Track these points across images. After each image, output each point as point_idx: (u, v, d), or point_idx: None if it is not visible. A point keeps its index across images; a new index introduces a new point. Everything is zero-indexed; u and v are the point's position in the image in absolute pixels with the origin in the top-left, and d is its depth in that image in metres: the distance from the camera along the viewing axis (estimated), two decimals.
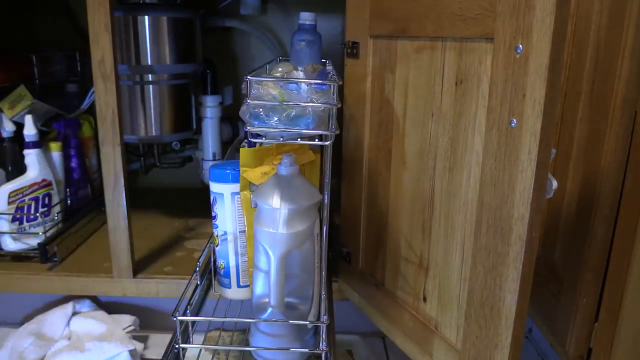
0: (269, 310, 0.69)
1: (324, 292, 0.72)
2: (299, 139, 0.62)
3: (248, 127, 0.61)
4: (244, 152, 0.77)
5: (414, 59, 0.71)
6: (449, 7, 0.61)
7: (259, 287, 0.71)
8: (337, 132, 0.62)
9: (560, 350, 0.81)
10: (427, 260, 0.73)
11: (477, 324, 0.61)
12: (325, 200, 0.69)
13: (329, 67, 0.78)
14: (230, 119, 1.25)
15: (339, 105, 0.62)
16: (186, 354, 0.97)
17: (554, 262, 0.87)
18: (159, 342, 1.01)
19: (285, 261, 0.66)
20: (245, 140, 1.05)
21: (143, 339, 0.97)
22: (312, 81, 0.63)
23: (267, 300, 0.70)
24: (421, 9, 0.67)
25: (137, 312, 1.03)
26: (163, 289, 0.97)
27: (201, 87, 1.25)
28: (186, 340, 0.70)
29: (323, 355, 0.68)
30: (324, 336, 0.67)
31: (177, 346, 0.67)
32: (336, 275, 0.98)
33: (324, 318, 0.67)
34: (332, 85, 0.61)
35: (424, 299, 0.74)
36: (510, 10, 0.52)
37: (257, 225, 0.67)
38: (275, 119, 0.61)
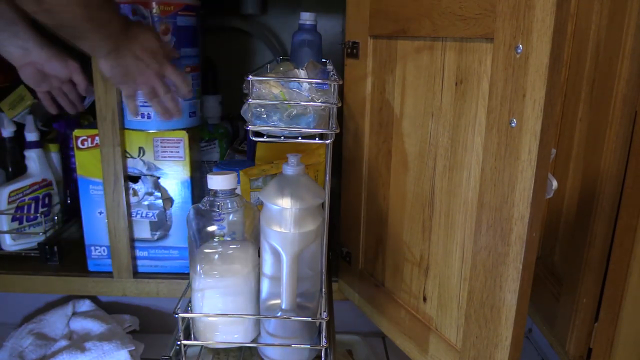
0: (279, 313, 0.70)
1: (324, 290, 0.73)
2: (299, 138, 0.63)
3: (249, 126, 0.61)
4: (262, 146, 0.79)
5: (414, 59, 0.71)
6: (449, 7, 0.61)
7: (265, 290, 0.72)
8: (337, 130, 0.63)
9: (560, 350, 0.81)
10: (427, 260, 0.73)
11: (477, 324, 0.61)
12: (326, 199, 0.70)
13: (330, 67, 0.78)
14: (231, 118, 1.25)
15: (340, 105, 0.62)
16: (187, 355, 0.98)
17: (554, 262, 0.87)
18: (159, 342, 1.01)
19: (297, 261, 0.68)
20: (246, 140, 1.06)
21: (143, 339, 0.97)
22: (313, 80, 0.63)
23: (274, 302, 0.71)
24: (421, 9, 0.67)
25: (137, 312, 1.03)
26: (163, 289, 0.97)
27: (201, 86, 1.25)
28: (187, 337, 0.71)
29: (323, 351, 0.69)
30: (324, 333, 0.69)
31: (178, 343, 0.69)
32: (336, 275, 0.98)
33: (324, 314, 0.68)
34: (332, 85, 0.62)
35: (424, 299, 0.74)
36: (510, 10, 0.52)
37: (266, 225, 0.68)
38: (276, 118, 0.62)
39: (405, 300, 0.79)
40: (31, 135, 1.01)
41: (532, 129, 0.50)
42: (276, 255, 0.68)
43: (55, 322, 0.96)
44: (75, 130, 0.91)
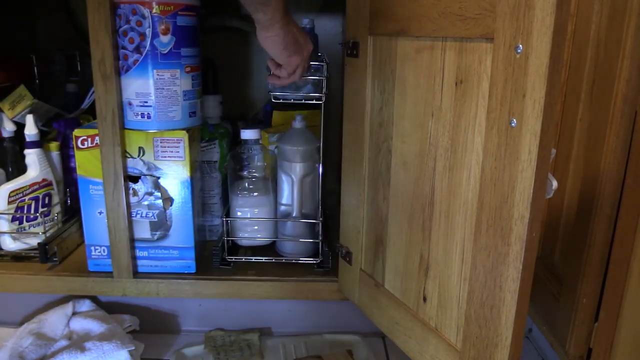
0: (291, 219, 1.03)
1: (320, 205, 1.03)
2: (303, 100, 0.96)
3: (272, 92, 0.95)
4: (276, 114, 1.17)
5: (414, 58, 0.71)
6: (449, 7, 0.61)
7: (281, 209, 1.05)
8: (326, 92, 0.93)
9: (560, 350, 0.82)
10: (427, 260, 0.73)
11: (477, 324, 0.61)
12: (321, 145, 0.99)
13: (324, 57, 0.97)
14: (231, 119, 1.25)
15: (328, 77, 0.92)
16: (188, 356, 0.99)
17: (554, 262, 0.87)
18: (159, 342, 1.01)
19: (302, 183, 1.01)
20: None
21: (143, 339, 0.97)
22: (311, 63, 0.89)
23: (287, 215, 1.04)
24: (421, 9, 0.67)
25: (137, 312, 1.03)
26: (163, 289, 0.97)
27: (201, 86, 1.25)
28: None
29: (320, 245, 1.01)
30: (320, 231, 1.01)
31: (224, 238, 1.01)
32: (336, 275, 0.98)
33: (320, 219, 1.01)
34: (323, 65, 0.92)
35: (424, 299, 0.74)
36: (510, 10, 0.52)
37: (282, 160, 1.02)
38: (287, 87, 0.93)
39: (405, 300, 0.79)
40: (31, 135, 1.01)
41: (532, 129, 0.50)
42: (289, 181, 1.01)
43: (55, 322, 0.96)
44: (75, 130, 0.91)
